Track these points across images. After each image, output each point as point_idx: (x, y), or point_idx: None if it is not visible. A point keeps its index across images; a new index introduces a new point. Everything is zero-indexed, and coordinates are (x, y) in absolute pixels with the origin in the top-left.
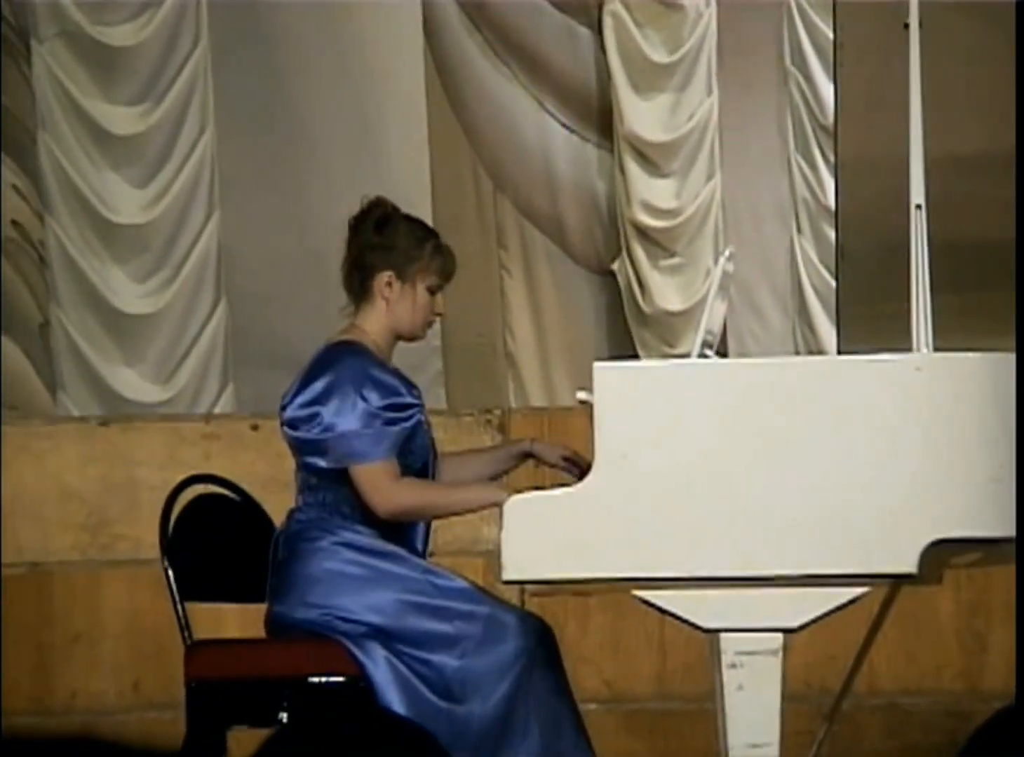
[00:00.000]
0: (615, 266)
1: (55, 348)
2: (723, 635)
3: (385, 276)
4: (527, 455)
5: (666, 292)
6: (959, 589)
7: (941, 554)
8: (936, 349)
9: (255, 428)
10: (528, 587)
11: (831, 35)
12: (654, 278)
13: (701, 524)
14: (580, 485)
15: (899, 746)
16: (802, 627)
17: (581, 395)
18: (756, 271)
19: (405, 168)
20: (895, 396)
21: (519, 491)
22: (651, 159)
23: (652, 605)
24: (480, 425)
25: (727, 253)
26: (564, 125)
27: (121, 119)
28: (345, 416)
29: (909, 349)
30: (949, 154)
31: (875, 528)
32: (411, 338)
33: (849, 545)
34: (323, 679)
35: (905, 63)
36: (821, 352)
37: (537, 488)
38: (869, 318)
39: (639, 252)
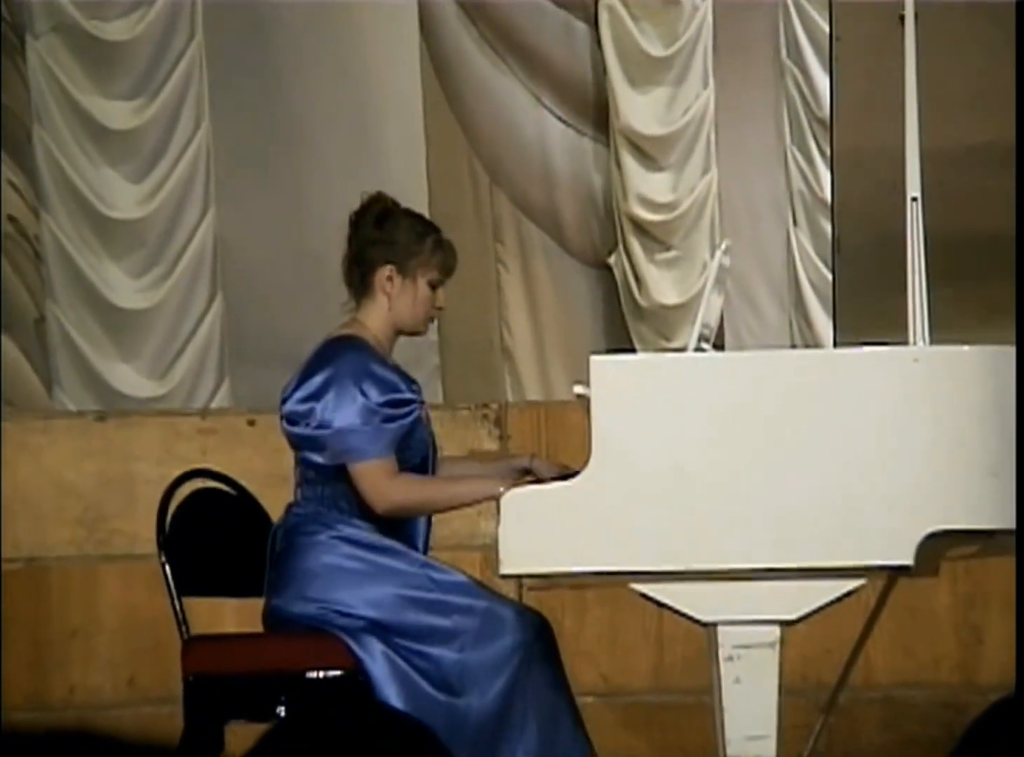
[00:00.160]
0: (611, 260)
1: (51, 343)
2: (720, 628)
3: (386, 271)
4: (526, 471)
5: (662, 286)
6: (956, 581)
7: (938, 546)
8: (932, 342)
9: (251, 423)
10: (526, 581)
11: (827, 29)
12: (650, 272)
13: (698, 517)
14: (577, 479)
15: (896, 739)
16: (799, 620)
17: (578, 389)
18: (752, 264)
19: (401, 163)
20: (892, 389)
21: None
22: (647, 153)
23: (649, 598)
24: (477, 419)
25: (723, 247)
26: (560, 119)
27: (116, 114)
28: (343, 411)
29: (905, 342)
30: (945, 147)
31: (872, 520)
32: (412, 333)
33: (846, 537)
34: (321, 673)
35: (901, 57)
36: (817, 345)
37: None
38: (865, 311)
39: (635, 246)
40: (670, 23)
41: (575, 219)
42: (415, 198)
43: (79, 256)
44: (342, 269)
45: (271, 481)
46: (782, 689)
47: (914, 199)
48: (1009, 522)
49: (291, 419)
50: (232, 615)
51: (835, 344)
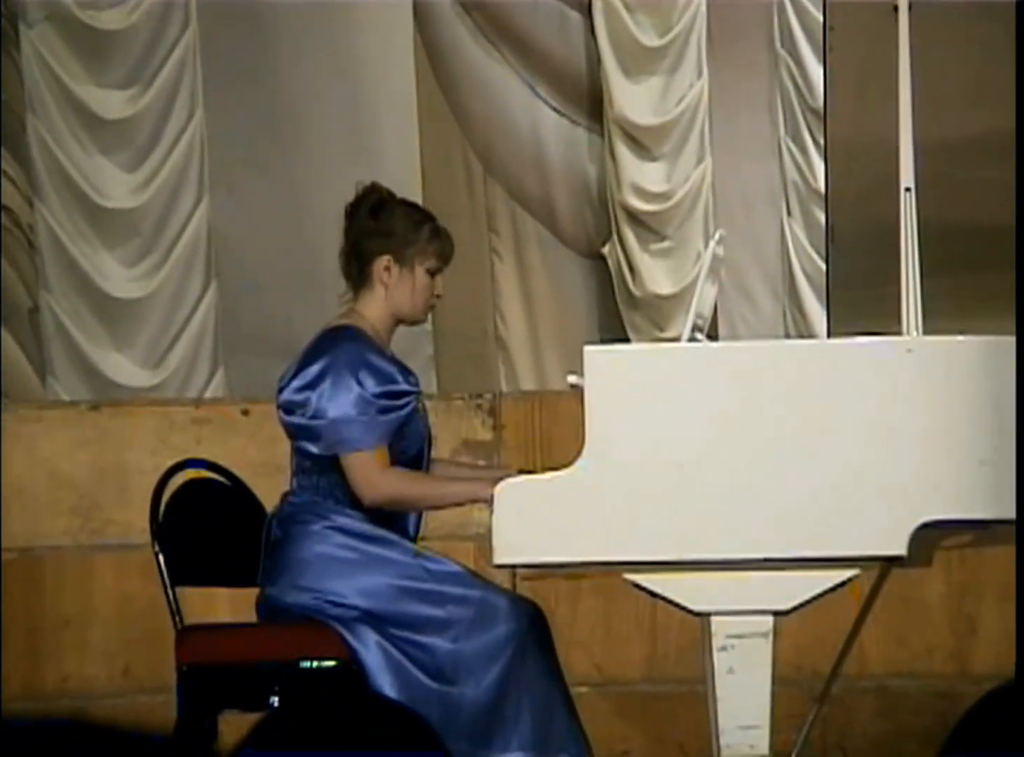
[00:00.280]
0: (605, 250)
1: (45, 333)
2: (714, 618)
3: (383, 261)
4: None
5: (656, 276)
6: (950, 571)
7: (931, 536)
8: (926, 332)
9: (246, 413)
10: (519, 571)
11: (821, 19)
12: (644, 262)
13: (691, 507)
14: (571, 469)
15: (889, 729)
16: (793, 610)
17: (572, 379)
18: (746, 254)
19: (395, 153)
20: (885, 379)
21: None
22: (641, 143)
23: (643, 588)
24: (471, 409)
25: (717, 236)
26: (555, 109)
27: (110, 103)
28: (338, 401)
29: (899, 332)
30: (939, 137)
31: (865, 510)
32: (412, 322)
33: (839, 527)
34: (314, 663)
35: (894, 47)
36: (811, 335)
37: (527, 472)
38: (859, 301)
39: (629, 236)
40: (664, 13)
41: (569, 209)
42: (409, 188)
43: (73, 245)
44: (339, 261)
45: (265, 470)
46: (775, 679)
47: (908, 190)
48: (1002, 512)
49: (287, 408)
50: (226, 605)
51: (829, 334)
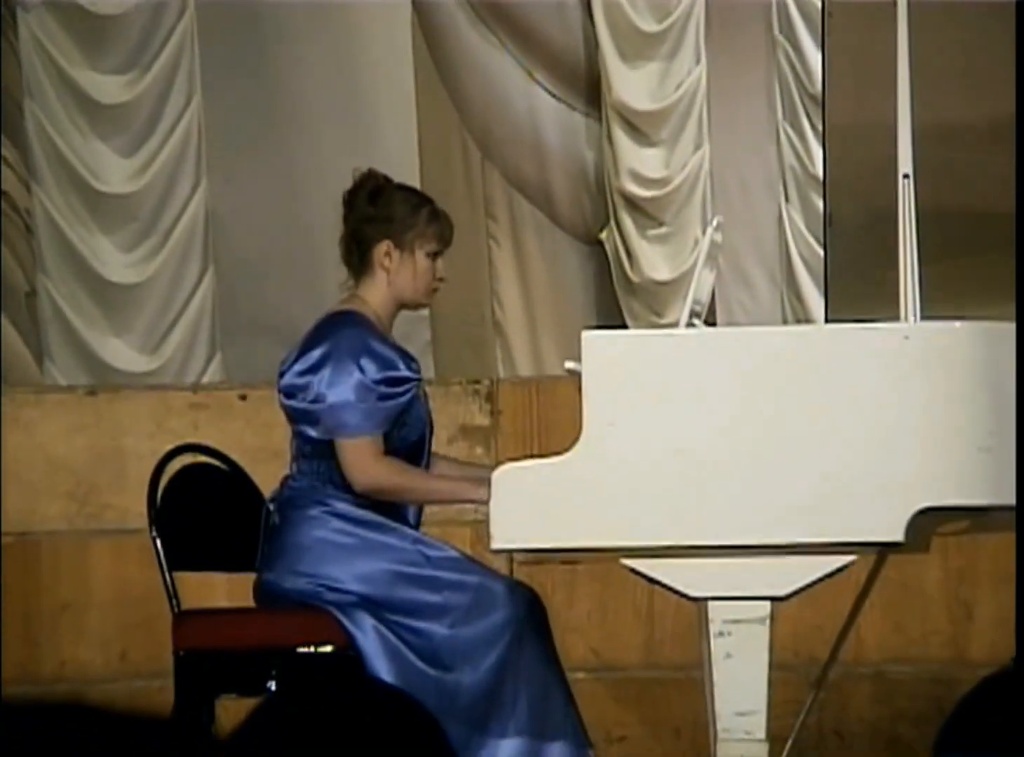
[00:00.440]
0: (603, 235)
1: (42, 318)
2: (711, 603)
3: (383, 247)
4: None
5: (654, 261)
6: (947, 557)
7: (929, 522)
8: (924, 318)
9: (243, 398)
10: (516, 556)
11: (819, 4)
12: (642, 247)
13: (688, 493)
14: (569, 454)
15: (886, 714)
16: (790, 595)
17: (569, 364)
18: (744, 240)
19: (393, 138)
20: (883, 365)
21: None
22: (639, 128)
23: (640, 574)
24: (468, 395)
25: (715, 222)
26: (552, 94)
27: (108, 88)
28: (339, 387)
29: (897, 318)
30: (937, 123)
31: (862, 496)
32: (416, 306)
33: (837, 513)
34: (311, 648)
35: (893, 32)
36: (809, 321)
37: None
38: (857, 287)
39: (627, 221)
40: None
41: (567, 195)
42: (407, 174)
43: (70, 230)
44: (340, 249)
45: (262, 455)
46: (772, 665)
47: (906, 176)
48: (1000, 498)
49: (288, 392)
50: (223, 590)
51: (827, 320)
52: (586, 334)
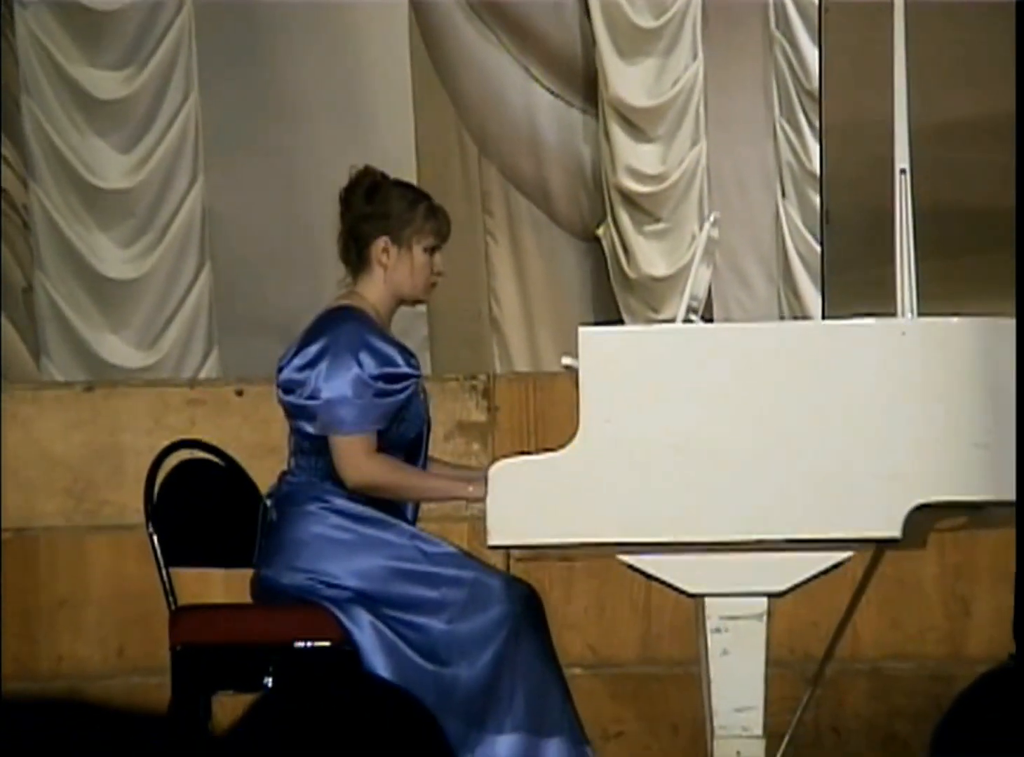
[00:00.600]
0: (600, 231)
1: (39, 314)
2: (708, 600)
3: (381, 243)
4: None
5: (651, 257)
6: (943, 553)
7: (926, 518)
8: (921, 314)
9: (240, 393)
10: (513, 552)
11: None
12: (639, 243)
13: (685, 489)
14: (565, 450)
15: (883, 710)
16: (787, 592)
17: (566, 360)
18: (741, 237)
19: (390, 134)
20: (880, 361)
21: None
22: (636, 124)
23: (637, 570)
24: (465, 390)
25: (712, 218)
26: (549, 90)
27: (105, 84)
28: (336, 382)
29: (894, 314)
30: (934, 119)
31: (859, 492)
32: (414, 301)
33: (833, 509)
34: (308, 644)
35: (890, 28)
36: (806, 317)
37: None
38: (854, 283)
39: (624, 217)
40: None
41: (564, 191)
42: (404, 170)
43: (67, 226)
44: (337, 247)
45: (259, 451)
46: (769, 661)
47: (903, 171)
48: (996, 494)
49: (287, 388)
50: (220, 585)
51: (823, 316)
52: (583, 330)
